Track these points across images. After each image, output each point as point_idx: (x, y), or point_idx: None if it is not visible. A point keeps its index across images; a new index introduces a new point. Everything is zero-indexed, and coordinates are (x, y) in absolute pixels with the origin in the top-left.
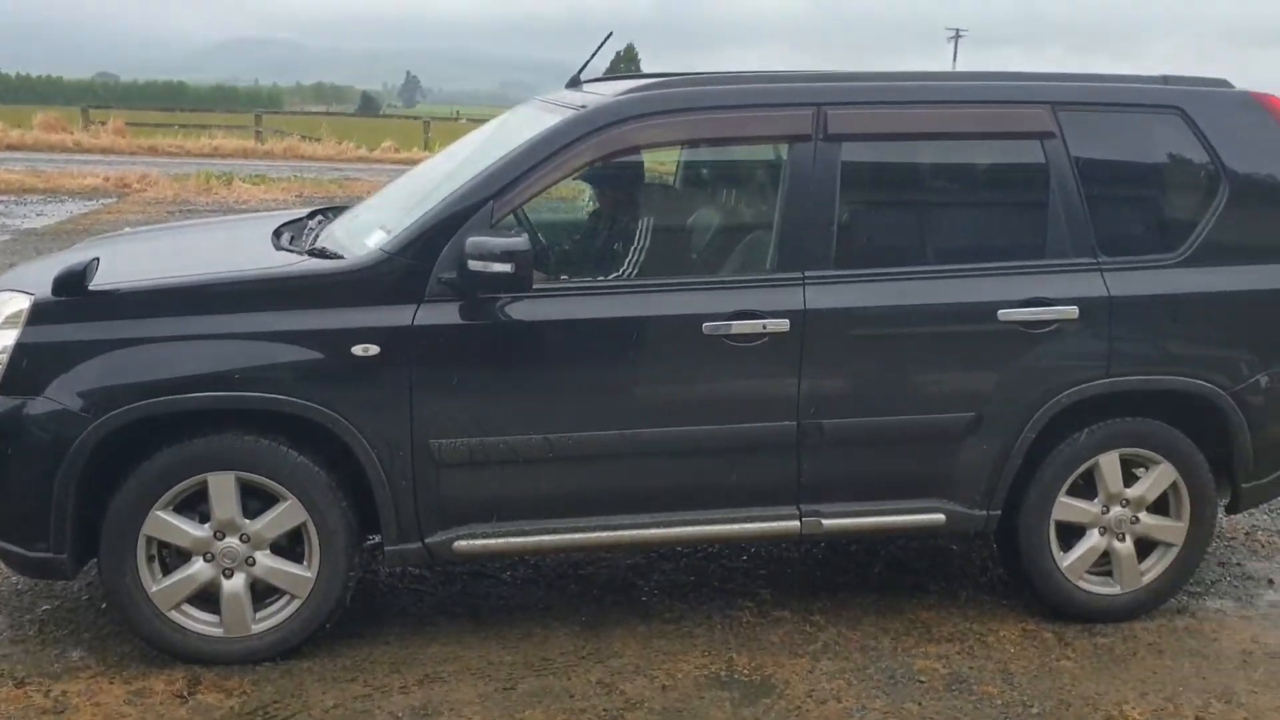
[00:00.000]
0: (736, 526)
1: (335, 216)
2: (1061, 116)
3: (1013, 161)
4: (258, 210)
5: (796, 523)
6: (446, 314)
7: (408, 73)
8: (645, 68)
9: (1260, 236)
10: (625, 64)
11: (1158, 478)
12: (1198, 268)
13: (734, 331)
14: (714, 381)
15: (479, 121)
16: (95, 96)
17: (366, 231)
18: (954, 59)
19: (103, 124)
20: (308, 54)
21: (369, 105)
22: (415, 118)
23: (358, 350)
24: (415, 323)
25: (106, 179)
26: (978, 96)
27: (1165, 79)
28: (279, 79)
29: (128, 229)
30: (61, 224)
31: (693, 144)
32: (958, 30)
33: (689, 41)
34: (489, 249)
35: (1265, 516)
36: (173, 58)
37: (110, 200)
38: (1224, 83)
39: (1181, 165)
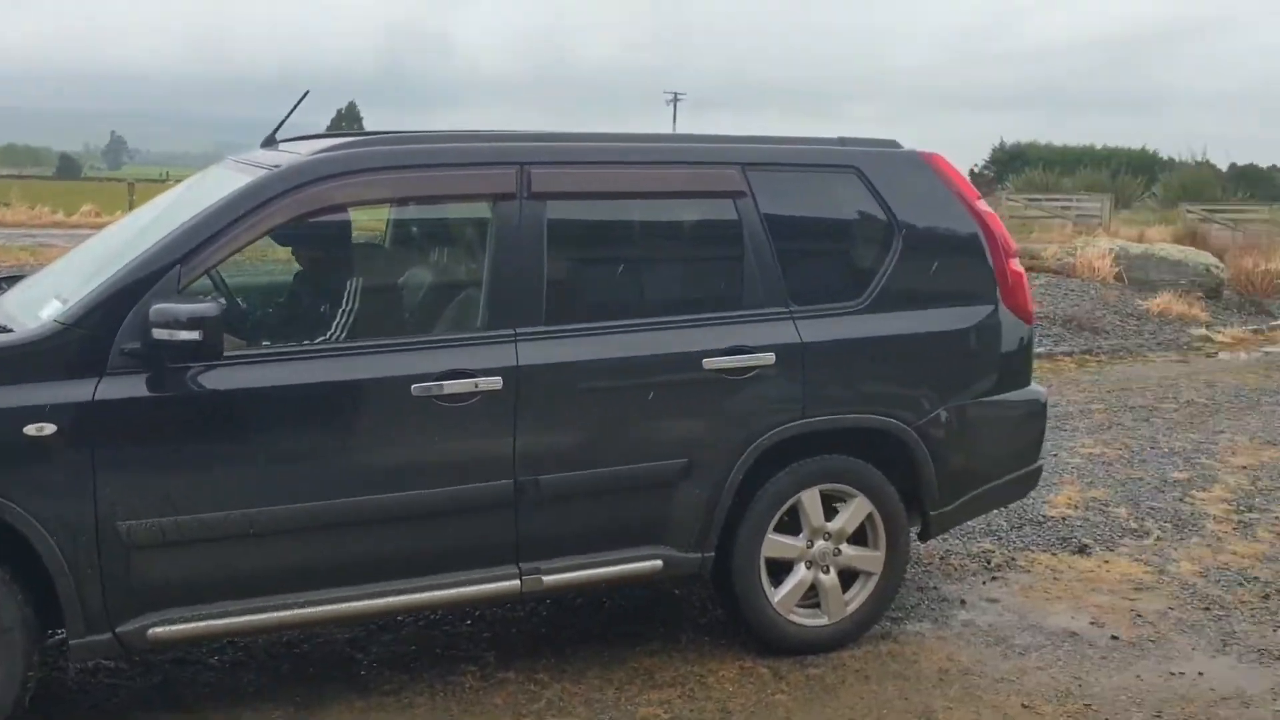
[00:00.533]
0: (455, 591)
1: (9, 287)
2: (751, 176)
3: (709, 218)
4: None
5: (517, 581)
6: (132, 387)
7: (112, 132)
8: (368, 126)
9: (932, 283)
10: (347, 122)
11: (855, 511)
12: (879, 313)
13: (446, 391)
14: (426, 444)
15: None
16: None
17: (40, 302)
18: (674, 121)
19: None
20: None
21: (69, 167)
22: (120, 180)
23: (31, 430)
24: (96, 397)
25: None
26: (674, 158)
27: (842, 140)
28: None
29: None
30: None
31: (394, 202)
32: (676, 94)
33: (414, 101)
34: (174, 316)
35: (958, 541)
36: None
37: None
38: (894, 143)
39: (860, 219)
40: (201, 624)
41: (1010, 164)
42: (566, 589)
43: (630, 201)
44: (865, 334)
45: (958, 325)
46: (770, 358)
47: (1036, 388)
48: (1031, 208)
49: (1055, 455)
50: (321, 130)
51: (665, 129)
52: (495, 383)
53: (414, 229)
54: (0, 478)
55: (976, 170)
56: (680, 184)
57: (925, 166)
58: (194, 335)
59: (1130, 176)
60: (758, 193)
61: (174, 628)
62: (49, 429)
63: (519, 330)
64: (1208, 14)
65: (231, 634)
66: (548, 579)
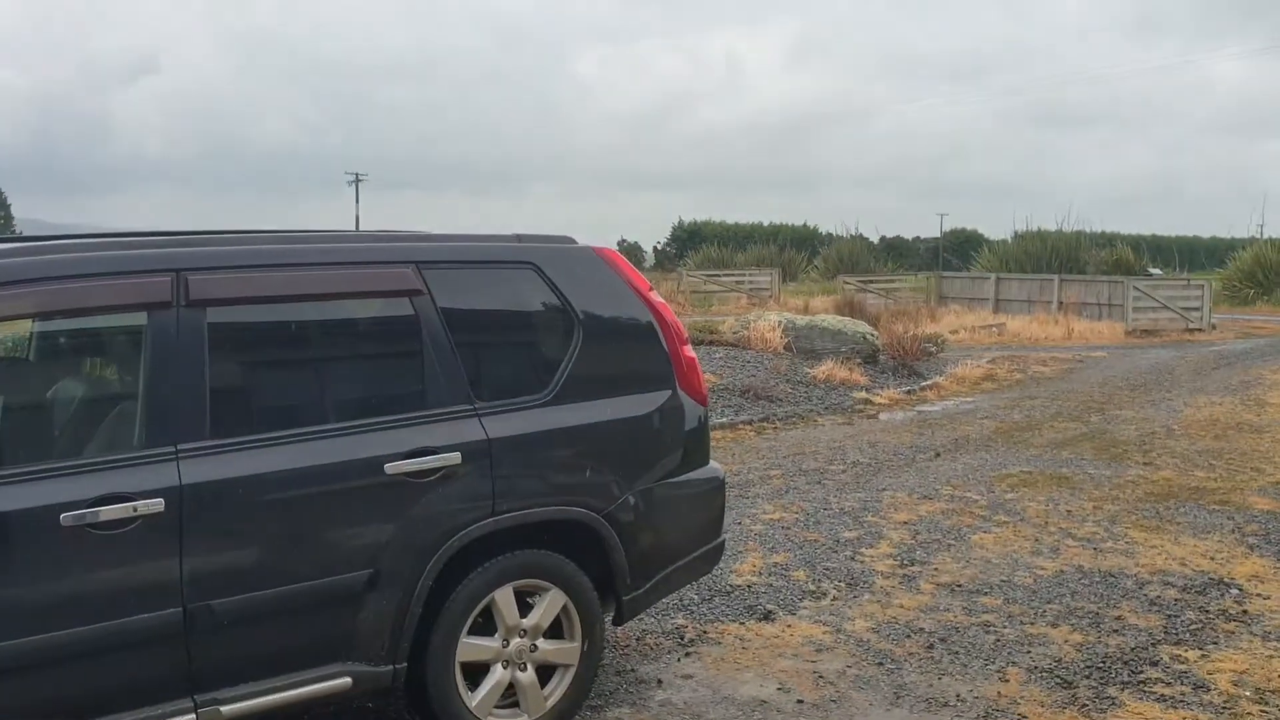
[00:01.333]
0: None
1: None
2: (427, 274)
3: (386, 317)
4: None
5: (192, 716)
6: None
7: None
8: (16, 213)
9: (612, 371)
10: None
11: (549, 604)
12: (564, 404)
13: (102, 519)
14: (81, 577)
15: None
16: None
17: None
18: (356, 202)
19: None
20: None
21: None
22: None
23: None
24: None
25: None
26: (345, 258)
27: (519, 237)
28: None
29: None
30: None
31: (38, 318)
32: (358, 174)
33: (69, 186)
34: None
35: (654, 620)
36: None
37: None
38: (569, 239)
39: (540, 314)
40: None
41: (689, 240)
42: (249, 718)
43: (301, 304)
44: (552, 425)
45: (640, 411)
46: (456, 457)
47: (715, 466)
48: (710, 283)
49: (739, 523)
50: None
51: (348, 210)
52: (156, 505)
53: (61, 340)
54: None
55: (659, 247)
56: (352, 285)
57: (600, 261)
58: None
59: (795, 250)
60: (435, 290)
61: None
62: None
63: (180, 446)
64: (851, 103)
65: None
66: (226, 709)
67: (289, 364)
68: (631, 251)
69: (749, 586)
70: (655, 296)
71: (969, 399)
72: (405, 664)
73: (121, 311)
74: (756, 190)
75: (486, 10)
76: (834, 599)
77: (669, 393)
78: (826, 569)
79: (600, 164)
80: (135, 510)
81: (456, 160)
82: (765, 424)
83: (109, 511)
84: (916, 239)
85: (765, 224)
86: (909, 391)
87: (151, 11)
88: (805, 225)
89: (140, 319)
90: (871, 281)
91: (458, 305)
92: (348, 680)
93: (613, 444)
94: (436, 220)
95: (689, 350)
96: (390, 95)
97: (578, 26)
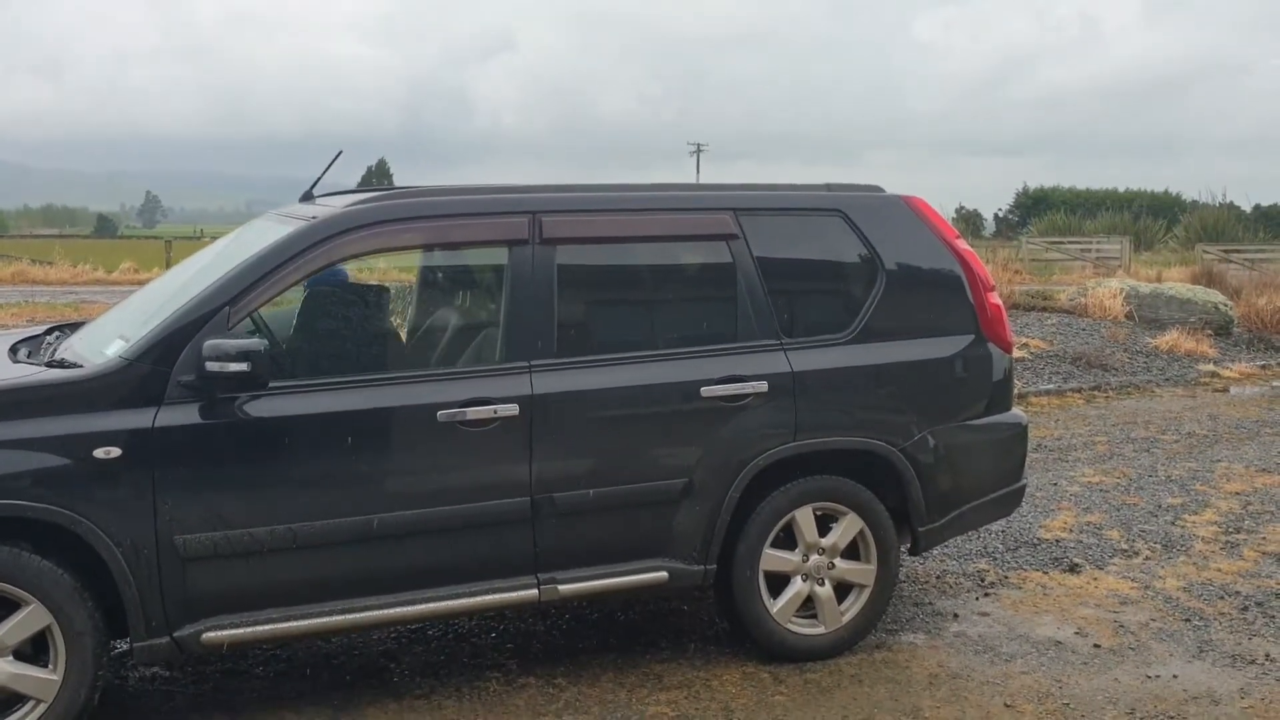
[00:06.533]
0: (479, 599)
1: (72, 332)
2: (743, 220)
3: (705, 260)
4: None
5: (535, 590)
6: (187, 415)
7: (148, 192)
8: (398, 182)
9: (913, 316)
10: (377, 178)
11: (846, 527)
12: (866, 344)
13: (468, 418)
14: (451, 465)
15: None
16: None
17: (105, 341)
18: (697, 172)
19: None
20: (36, 176)
21: (106, 226)
22: (156, 237)
23: (99, 453)
24: (156, 424)
25: None
26: (672, 205)
27: (829, 186)
28: (4, 203)
29: None
30: None
31: (419, 249)
32: (699, 145)
33: (439, 158)
34: (225, 350)
35: (954, 562)
36: None
37: None
38: (877, 188)
39: (845, 259)
40: (249, 629)
41: (1034, 208)
42: (580, 598)
43: (633, 245)
44: (853, 362)
45: (940, 354)
46: (764, 385)
47: (1017, 412)
48: (1052, 250)
49: (1055, 484)
50: (353, 186)
51: (690, 179)
52: (512, 409)
53: (439, 273)
54: (73, 497)
55: (1000, 214)
56: (678, 229)
57: (906, 209)
58: (243, 367)
59: (1151, 219)
60: (750, 235)
61: (225, 632)
62: (115, 452)
63: (533, 362)
64: (1220, 59)
65: (276, 639)
66: (563, 588)
67: (622, 297)
68: (970, 219)
69: (1057, 541)
70: (962, 244)
71: None
72: (714, 566)
73: (484, 247)
74: (1110, 155)
75: None
76: (1146, 558)
77: (970, 338)
78: (1142, 530)
79: (938, 130)
80: (495, 413)
81: (790, 130)
82: (1096, 392)
83: (475, 412)
84: None
85: (1119, 190)
86: (1264, 366)
87: None
88: (1166, 192)
89: (501, 255)
90: (1236, 251)
91: (769, 248)
92: (664, 575)
93: (911, 383)
94: None
95: (995, 298)
96: (724, 67)
97: None
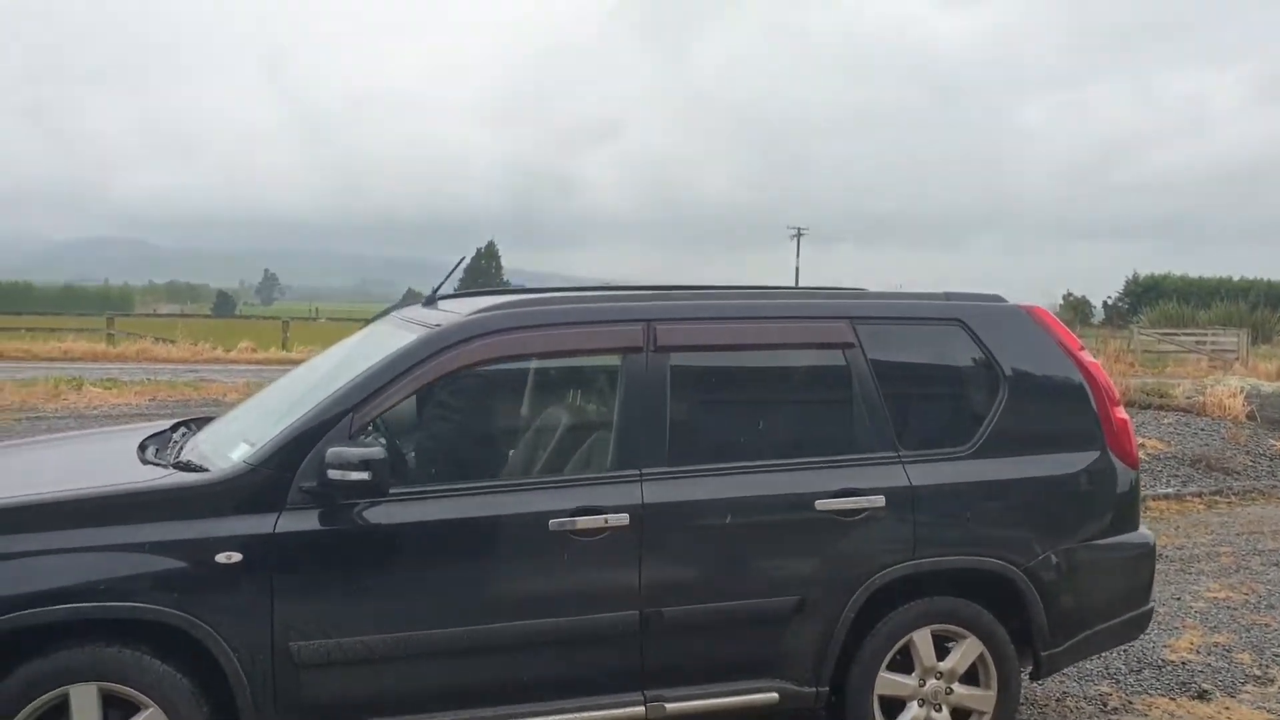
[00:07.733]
0: (584, 715)
1: (198, 428)
2: (859, 329)
3: (820, 367)
4: (109, 415)
5: (642, 708)
6: (307, 521)
7: (266, 270)
8: (505, 264)
9: (1037, 429)
10: (486, 259)
11: (966, 650)
12: (987, 458)
13: (578, 527)
14: (561, 575)
15: (338, 320)
16: None
17: (230, 444)
18: (797, 255)
19: None
20: (160, 254)
21: (225, 303)
22: (274, 317)
23: (221, 558)
24: (277, 530)
25: None
26: (787, 313)
27: (948, 295)
28: (132, 279)
29: None
30: None
31: (538, 356)
32: (799, 229)
33: (543, 239)
34: (348, 459)
35: (1075, 684)
36: (19, 258)
37: None
38: (998, 297)
39: (966, 369)
40: None
41: (1144, 295)
42: (687, 717)
43: (747, 352)
44: (974, 478)
45: (1065, 470)
46: (881, 500)
47: (1145, 531)
48: (1165, 342)
49: (1179, 599)
50: (467, 264)
51: (787, 261)
52: (622, 519)
53: (551, 377)
54: (194, 601)
55: (1110, 302)
56: (793, 337)
57: (1028, 319)
58: (364, 475)
59: (1269, 309)
60: (866, 344)
61: None
62: (236, 557)
63: (644, 470)
64: None
65: None
66: (670, 706)
67: (734, 404)
68: (1078, 306)
69: (1183, 663)
70: (1086, 356)
71: None
72: (827, 689)
73: (601, 354)
74: (1223, 241)
75: (924, 64)
76: None
77: (1096, 454)
78: (1276, 655)
79: (1044, 214)
80: (606, 522)
81: (892, 213)
82: (1217, 497)
83: (585, 521)
84: None
85: (1234, 278)
86: None
87: (609, 81)
88: None
89: (615, 360)
90: None
91: (887, 358)
92: (775, 695)
93: (1035, 500)
94: (870, 274)
95: (1121, 411)
96: (826, 151)
97: (1021, 74)
